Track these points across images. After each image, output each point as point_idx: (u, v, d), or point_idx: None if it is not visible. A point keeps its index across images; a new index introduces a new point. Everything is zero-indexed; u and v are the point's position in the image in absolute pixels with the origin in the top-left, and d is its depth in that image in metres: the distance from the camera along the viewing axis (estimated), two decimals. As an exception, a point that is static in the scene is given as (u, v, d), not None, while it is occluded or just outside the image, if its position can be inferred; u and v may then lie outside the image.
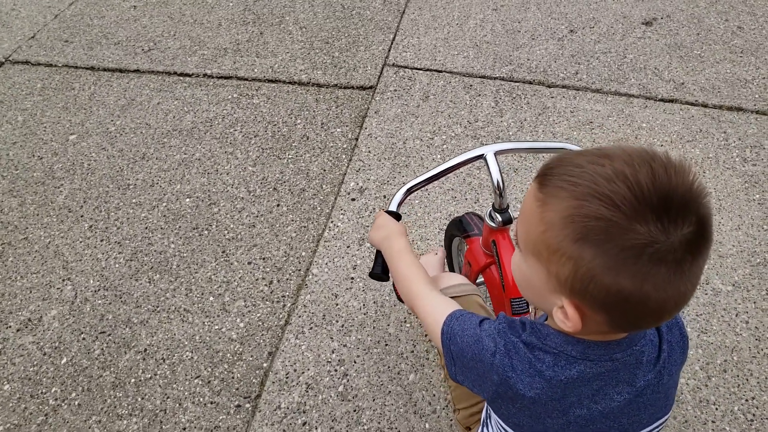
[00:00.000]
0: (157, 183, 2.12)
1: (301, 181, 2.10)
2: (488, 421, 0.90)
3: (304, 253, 1.86)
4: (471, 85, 2.44)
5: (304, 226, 1.94)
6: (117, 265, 1.86)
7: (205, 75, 2.61)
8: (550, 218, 0.64)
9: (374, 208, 1.97)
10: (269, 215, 1.98)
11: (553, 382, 0.72)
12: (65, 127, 2.38)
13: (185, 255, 1.87)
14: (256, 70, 2.61)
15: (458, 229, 1.44)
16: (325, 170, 2.13)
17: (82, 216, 2.01)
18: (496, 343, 0.75)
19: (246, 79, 2.57)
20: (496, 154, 1.14)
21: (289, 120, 2.35)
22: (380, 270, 1.05)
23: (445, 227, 1.76)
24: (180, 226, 1.96)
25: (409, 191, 1.13)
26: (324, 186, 2.08)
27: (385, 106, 2.38)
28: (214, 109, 2.42)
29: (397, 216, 1.08)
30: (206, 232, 1.94)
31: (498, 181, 1.13)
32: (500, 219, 1.16)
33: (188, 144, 2.27)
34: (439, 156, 2.15)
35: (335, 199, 2.03)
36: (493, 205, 1.18)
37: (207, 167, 2.17)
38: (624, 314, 0.65)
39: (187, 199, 2.05)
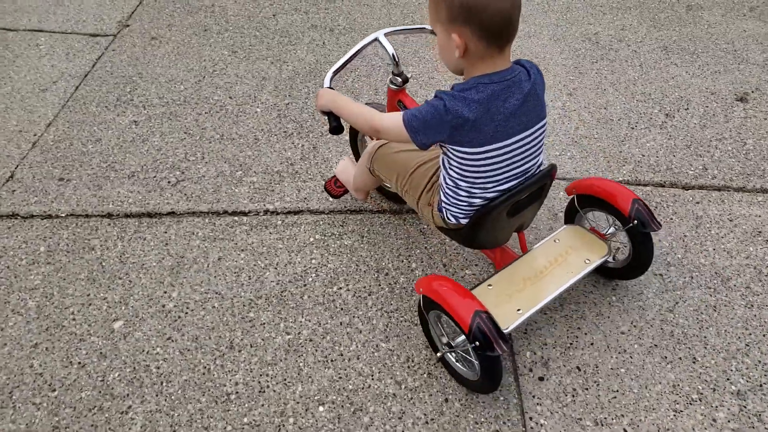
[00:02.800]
0: (269, 386, 1.58)
1: (457, 355, 1.64)
2: (444, 176, 1.40)
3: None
4: (596, 194, 2.10)
5: None
6: None
7: (267, 212, 2.09)
8: None
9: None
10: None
11: (480, 101, 1.23)
12: (102, 311, 1.77)
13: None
14: (330, 199, 2.13)
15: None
16: (479, 334, 1.69)
17: (178, 459, 1.44)
18: (442, 99, 1.24)
19: (322, 212, 2.08)
20: (386, 35, 1.65)
21: (402, 264, 1.89)
22: (336, 123, 1.52)
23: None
24: (329, 456, 1.44)
25: (335, 73, 1.59)
26: (489, 359, 1.63)
27: (513, 234, 1.98)
28: (298, 260, 1.91)
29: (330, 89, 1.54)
30: (369, 459, 1.43)
31: (393, 54, 1.64)
32: (400, 79, 1.70)
33: (285, 316, 1.74)
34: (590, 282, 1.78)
35: (518, 384, 1.58)
36: (392, 72, 1.70)
37: (326, 351, 1.66)
38: (481, 24, 1.17)
39: (321, 408, 1.53)
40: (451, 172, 1.37)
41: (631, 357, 1.61)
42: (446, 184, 1.41)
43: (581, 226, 1.73)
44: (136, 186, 2.20)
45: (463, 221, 1.44)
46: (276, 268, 1.89)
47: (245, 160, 2.30)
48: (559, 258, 1.61)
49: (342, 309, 1.77)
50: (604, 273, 1.79)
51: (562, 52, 2.89)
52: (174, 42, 3.05)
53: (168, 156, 2.33)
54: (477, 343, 1.31)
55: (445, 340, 1.54)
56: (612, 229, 1.70)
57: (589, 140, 2.35)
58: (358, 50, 1.62)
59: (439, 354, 1.52)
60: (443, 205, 1.46)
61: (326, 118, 1.53)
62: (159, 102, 2.63)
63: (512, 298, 1.52)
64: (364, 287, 1.82)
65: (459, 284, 1.46)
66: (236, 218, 2.07)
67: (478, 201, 1.38)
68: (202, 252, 1.95)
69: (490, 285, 1.56)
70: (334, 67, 1.60)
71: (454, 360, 1.56)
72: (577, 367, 1.60)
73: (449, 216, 1.46)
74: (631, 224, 1.56)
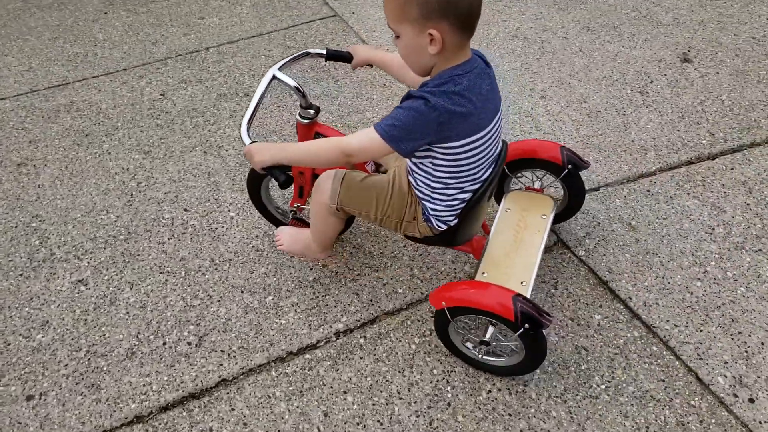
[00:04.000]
0: None
1: None
2: (427, 182, 1.45)
3: None
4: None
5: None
6: None
7: (338, 333, 1.80)
8: None
9: None
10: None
11: (461, 93, 1.27)
12: None
13: None
14: (398, 290, 1.90)
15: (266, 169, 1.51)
16: None
17: None
18: (423, 98, 1.26)
19: (401, 309, 1.85)
20: (281, 69, 1.63)
21: (530, 336, 1.76)
22: (285, 176, 1.42)
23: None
24: None
25: (249, 125, 1.53)
26: None
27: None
28: (418, 377, 1.67)
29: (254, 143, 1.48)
30: None
31: (296, 86, 1.63)
32: (312, 111, 1.70)
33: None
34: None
35: (728, 411, 1.56)
36: (301, 106, 1.69)
37: (532, 472, 1.46)
38: (459, 15, 1.22)
39: None
40: (438, 173, 1.41)
41: (811, 342, 1.69)
42: (433, 188, 1.45)
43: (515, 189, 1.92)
44: (147, 365, 1.74)
45: (452, 222, 1.51)
46: (401, 398, 1.63)
47: (265, 281, 1.96)
48: (520, 223, 1.78)
49: (510, 414, 1.58)
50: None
51: (502, 56, 2.95)
52: (55, 161, 2.49)
53: (162, 311, 1.89)
54: (527, 325, 1.42)
55: (467, 342, 1.65)
56: (539, 183, 1.91)
57: (598, 138, 2.43)
58: (262, 94, 1.59)
59: (480, 356, 1.62)
60: (430, 213, 1.51)
61: (269, 174, 1.46)
62: (94, 245, 2.12)
63: (510, 275, 1.63)
64: (515, 379, 1.66)
65: (477, 281, 1.59)
66: (308, 356, 1.75)
67: (467, 195, 1.47)
68: (299, 415, 1.61)
69: (484, 273, 1.64)
70: (245, 120, 1.54)
71: (484, 356, 1.63)
72: (772, 373, 1.63)
73: (438, 223, 1.52)
74: (566, 170, 1.78)
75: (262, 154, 1.43)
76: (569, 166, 1.77)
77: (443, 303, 1.52)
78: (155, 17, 3.47)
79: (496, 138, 1.43)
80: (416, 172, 1.46)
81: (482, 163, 1.43)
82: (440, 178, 1.42)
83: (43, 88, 2.94)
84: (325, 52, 1.73)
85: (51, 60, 3.14)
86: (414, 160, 1.44)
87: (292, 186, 1.87)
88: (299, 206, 1.93)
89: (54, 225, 2.21)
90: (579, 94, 2.67)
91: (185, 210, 2.24)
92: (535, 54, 2.95)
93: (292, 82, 1.62)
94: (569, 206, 1.93)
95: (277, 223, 2.09)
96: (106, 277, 2.01)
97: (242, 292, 1.93)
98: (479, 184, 1.47)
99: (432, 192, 1.46)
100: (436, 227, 1.53)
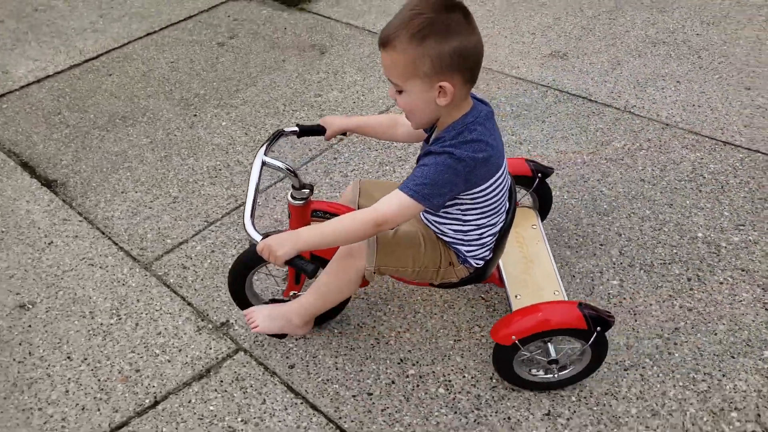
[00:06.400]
0: None
1: None
2: (459, 227, 1.48)
3: None
4: None
5: None
6: None
7: None
8: (400, 47, 1.23)
9: None
10: None
11: (479, 139, 1.31)
12: None
13: None
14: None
15: (255, 257, 1.61)
16: None
17: None
18: (445, 152, 1.28)
19: None
20: (266, 154, 1.54)
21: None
22: (313, 265, 1.32)
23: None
24: None
25: (252, 219, 1.41)
26: None
27: None
28: None
29: (266, 236, 1.37)
30: None
31: (287, 168, 1.52)
32: (307, 191, 1.57)
33: None
34: None
35: None
36: (293, 186, 1.56)
37: None
38: (472, 67, 1.27)
39: None
40: (468, 217, 1.46)
41: None
42: (465, 231, 1.49)
43: None
44: None
45: (489, 256, 1.55)
46: None
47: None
48: (519, 239, 1.82)
49: None
50: None
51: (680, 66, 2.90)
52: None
53: None
54: (599, 328, 1.45)
55: (534, 369, 1.63)
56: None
57: None
58: (257, 183, 1.49)
59: (556, 376, 1.59)
60: (467, 255, 1.54)
61: (295, 267, 1.33)
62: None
63: (540, 290, 1.67)
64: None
65: (535, 306, 1.55)
66: None
67: (497, 228, 1.52)
68: None
69: (517, 296, 1.67)
70: (247, 216, 1.42)
71: (557, 373, 1.61)
72: None
73: (475, 261, 1.55)
74: (537, 180, 1.85)
75: (282, 246, 1.31)
76: (539, 175, 1.83)
77: (513, 337, 1.49)
78: (261, 106, 2.97)
79: (507, 170, 1.48)
80: (442, 223, 1.49)
81: (504, 197, 1.47)
82: (471, 221, 1.47)
83: (220, 217, 2.36)
84: (297, 129, 1.67)
85: (190, 182, 2.56)
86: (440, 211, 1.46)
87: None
88: (295, 294, 1.77)
89: None
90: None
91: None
92: (710, 45, 2.96)
93: (282, 165, 1.52)
94: (543, 209, 1.98)
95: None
96: None
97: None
98: (505, 215, 1.51)
99: (464, 235, 1.50)
100: (474, 265, 1.56)
